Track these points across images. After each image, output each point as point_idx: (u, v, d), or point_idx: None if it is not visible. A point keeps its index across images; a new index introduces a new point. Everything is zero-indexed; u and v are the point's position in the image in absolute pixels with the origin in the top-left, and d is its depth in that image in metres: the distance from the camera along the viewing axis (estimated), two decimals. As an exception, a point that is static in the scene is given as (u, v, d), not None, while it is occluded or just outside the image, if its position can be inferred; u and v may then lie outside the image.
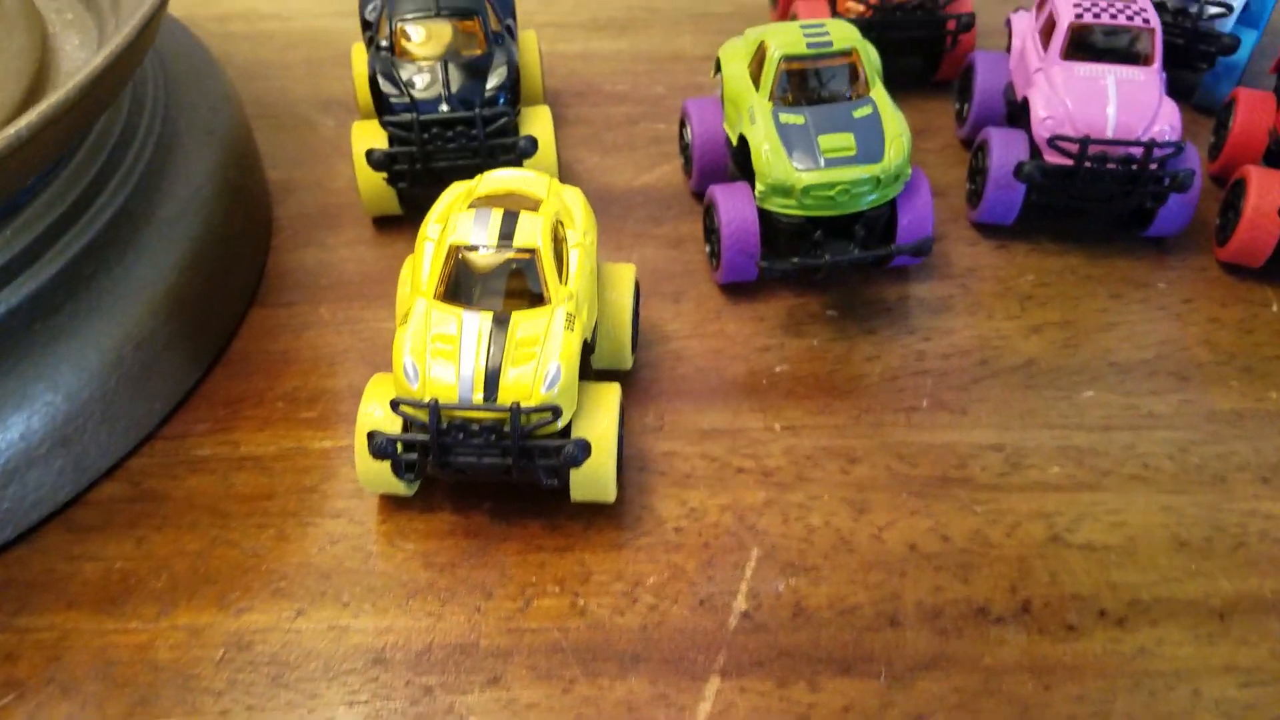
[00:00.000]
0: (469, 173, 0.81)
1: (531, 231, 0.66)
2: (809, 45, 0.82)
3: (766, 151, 0.80)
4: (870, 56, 0.85)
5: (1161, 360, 0.83)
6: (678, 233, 0.96)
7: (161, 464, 0.75)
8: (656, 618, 0.66)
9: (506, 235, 0.66)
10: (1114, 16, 0.89)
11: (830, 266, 0.80)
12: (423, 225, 0.69)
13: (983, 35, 1.11)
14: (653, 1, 1.28)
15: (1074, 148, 0.84)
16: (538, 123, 0.91)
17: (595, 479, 0.67)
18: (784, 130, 0.81)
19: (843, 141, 0.80)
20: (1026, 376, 0.81)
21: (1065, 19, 0.90)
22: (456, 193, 0.73)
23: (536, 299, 0.66)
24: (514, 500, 0.72)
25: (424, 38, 0.87)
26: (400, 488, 0.69)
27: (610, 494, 0.69)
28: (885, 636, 0.64)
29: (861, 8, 1.01)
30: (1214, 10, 1.01)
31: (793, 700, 0.62)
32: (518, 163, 0.88)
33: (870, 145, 0.80)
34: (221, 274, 0.83)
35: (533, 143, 0.86)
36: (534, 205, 0.70)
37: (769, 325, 0.86)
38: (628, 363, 0.79)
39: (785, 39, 0.83)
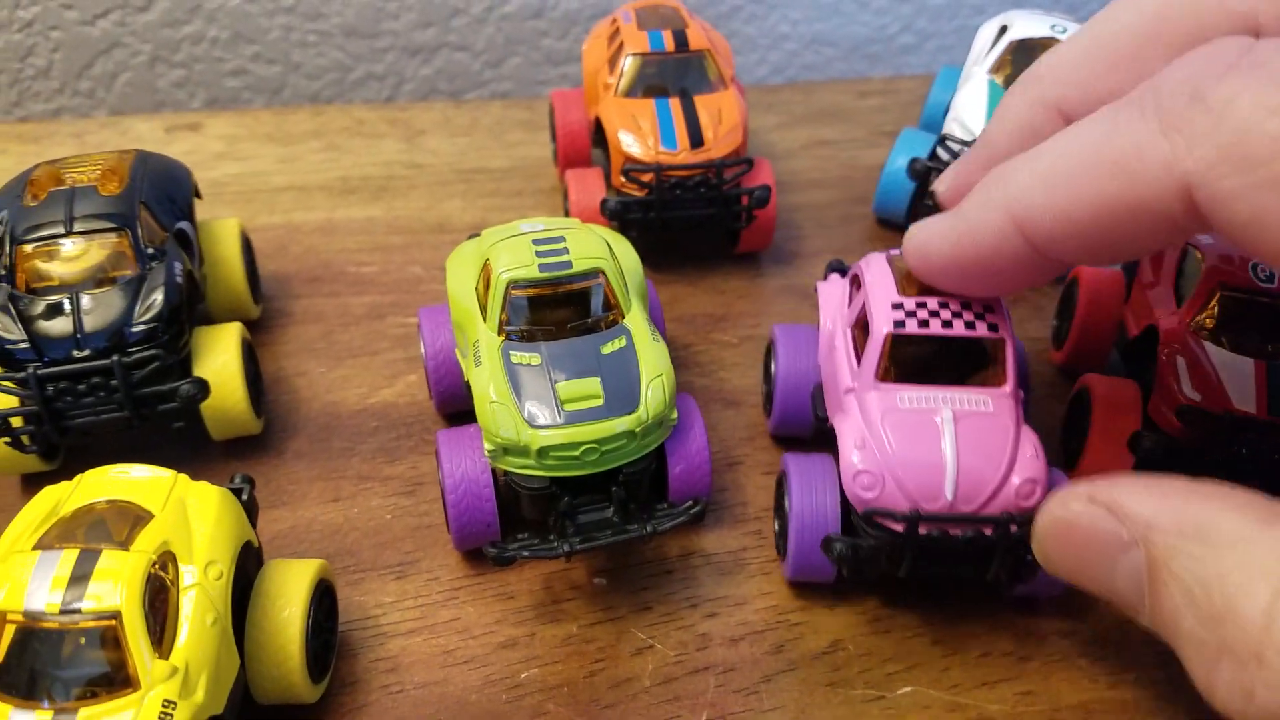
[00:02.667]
0: (116, 430, 0.65)
1: (113, 585, 0.50)
2: (542, 268, 0.69)
3: (493, 403, 0.66)
4: (624, 271, 0.73)
5: (996, 636, 0.71)
6: (417, 472, 0.80)
7: None
8: None
9: (75, 595, 0.49)
10: (948, 324, 0.66)
11: (574, 554, 0.65)
12: None
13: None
14: (417, 156, 1.14)
15: (899, 526, 0.63)
16: (220, 350, 0.75)
17: None
18: (515, 374, 0.67)
19: (587, 389, 0.66)
20: (831, 668, 0.68)
21: (881, 325, 0.66)
22: (39, 510, 0.56)
23: (124, 681, 0.49)
24: None
25: (53, 262, 0.70)
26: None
27: None
28: None
29: (636, 188, 0.89)
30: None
31: None
32: (185, 413, 0.71)
33: (621, 390, 0.67)
34: None
35: (201, 387, 0.70)
36: (142, 522, 0.54)
37: (518, 606, 0.71)
38: (307, 696, 0.62)
39: (513, 257, 0.69)
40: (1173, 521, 0.47)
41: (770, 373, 0.81)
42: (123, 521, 0.54)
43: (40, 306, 0.69)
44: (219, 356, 0.74)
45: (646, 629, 0.70)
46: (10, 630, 0.49)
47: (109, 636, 0.49)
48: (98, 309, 0.69)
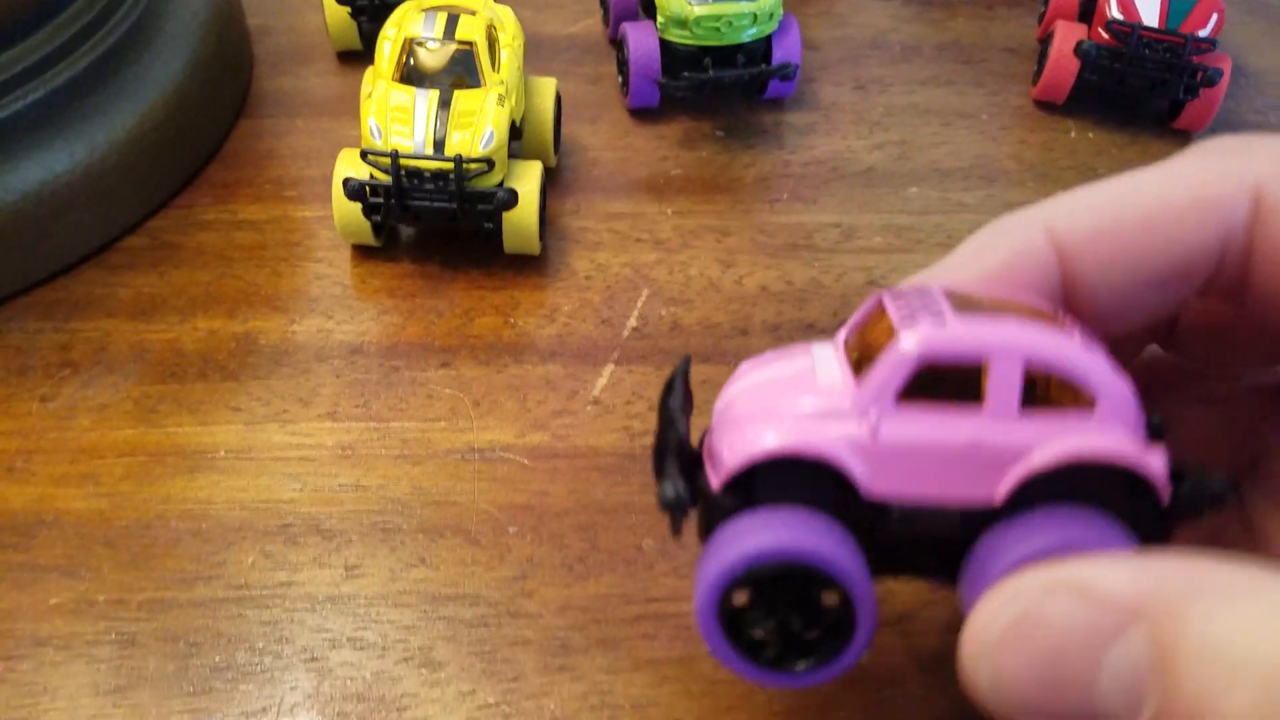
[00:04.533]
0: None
1: (471, 28, 0.91)
2: (702, -82, 1.08)
3: (667, -11, 1.06)
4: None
5: (976, 168, 1.10)
6: (597, 72, 1.21)
7: (174, 224, 0.99)
8: (569, 330, 0.92)
9: (450, 31, 0.91)
10: None
11: (714, 81, 1.06)
12: (382, 29, 0.94)
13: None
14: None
15: None
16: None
17: (522, 231, 0.92)
18: (681, -25, 1.06)
19: (727, -15, 1.06)
20: (867, 179, 1.09)
21: None
22: (408, 5, 0.97)
23: (474, 86, 0.91)
24: (460, 253, 0.97)
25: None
26: (368, 235, 0.94)
27: (534, 247, 0.94)
28: (737, 341, 0.91)
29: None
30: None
31: (664, 377, 0.88)
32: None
33: (749, -11, 1.06)
34: (214, 86, 1.07)
35: None
36: (475, 13, 0.95)
37: (668, 142, 1.12)
38: (551, 160, 1.04)
39: (684, -90, 1.08)
40: (1184, 587, 0.38)
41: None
42: (461, 11, 0.94)
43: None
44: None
45: (750, 156, 1.11)
46: (410, 50, 0.91)
47: (468, 54, 0.91)
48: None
